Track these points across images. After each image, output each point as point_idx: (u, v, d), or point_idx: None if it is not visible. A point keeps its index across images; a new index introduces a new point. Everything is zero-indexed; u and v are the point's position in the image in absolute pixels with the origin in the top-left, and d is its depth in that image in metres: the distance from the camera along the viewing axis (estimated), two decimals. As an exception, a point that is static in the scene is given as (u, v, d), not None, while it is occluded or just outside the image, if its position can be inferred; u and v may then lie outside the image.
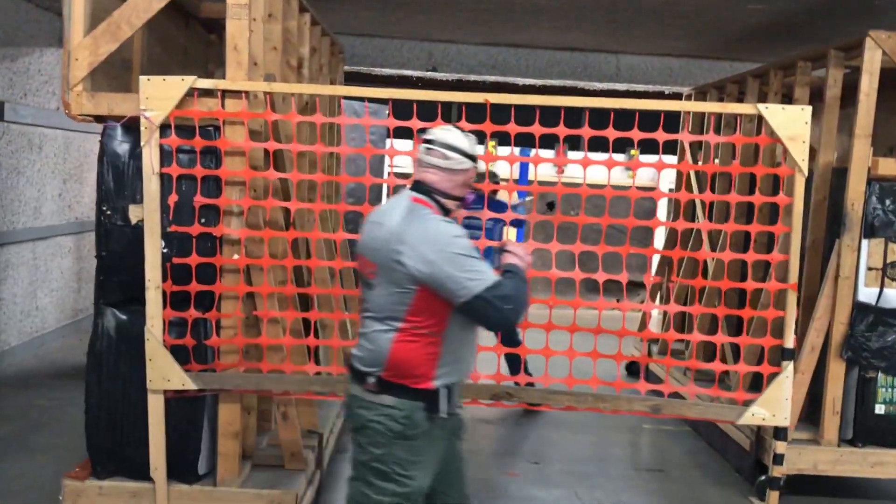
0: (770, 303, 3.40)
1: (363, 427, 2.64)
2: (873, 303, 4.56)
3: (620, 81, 7.71)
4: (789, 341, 3.34)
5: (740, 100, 6.19)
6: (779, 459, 3.41)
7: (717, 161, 5.99)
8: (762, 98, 5.91)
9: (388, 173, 3.63)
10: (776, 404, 3.32)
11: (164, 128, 3.34)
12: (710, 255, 3.37)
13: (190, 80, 3.30)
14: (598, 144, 3.61)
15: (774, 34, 6.46)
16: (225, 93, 3.36)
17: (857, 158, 4.53)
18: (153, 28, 4.17)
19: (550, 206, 11.19)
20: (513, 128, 3.39)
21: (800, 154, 3.26)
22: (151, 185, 3.32)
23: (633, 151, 11.23)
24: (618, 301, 3.73)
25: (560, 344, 3.64)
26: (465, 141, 2.69)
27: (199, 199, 3.35)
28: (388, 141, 3.88)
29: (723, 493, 4.89)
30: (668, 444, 5.75)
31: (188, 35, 4.74)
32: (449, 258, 2.49)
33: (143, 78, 3.30)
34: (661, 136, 3.31)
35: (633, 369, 6.89)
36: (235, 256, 3.40)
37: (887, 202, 4.55)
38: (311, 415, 4.16)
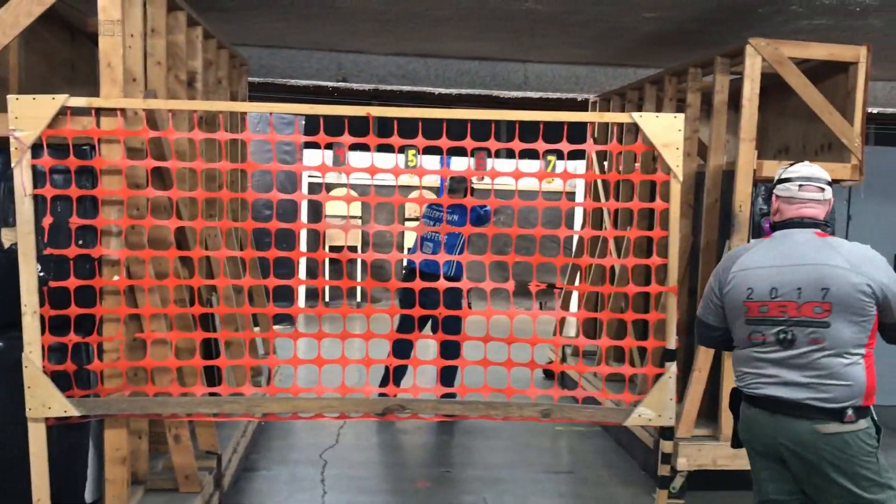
0: (652, 305, 3.47)
1: (859, 459, 2.74)
2: (763, 300, 4.72)
3: (529, 90, 7.81)
4: (671, 342, 3.43)
5: (640, 106, 6.36)
6: (666, 458, 3.49)
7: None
8: (659, 103, 6.09)
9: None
10: (661, 405, 3.40)
11: (36, 148, 3.24)
12: (591, 262, 3.43)
13: (62, 99, 3.21)
14: (508, 151, 3.64)
15: (672, 41, 6.64)
16: (100, 111, 3.28)
17: (742, 161, 4.69)
18: (32, 44, 4.06)
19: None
20: (420, 141, 3.41)
21: (674, 160, 3.35)
22: (24, 207, 3.22)
23: (550, 158, 11.44)
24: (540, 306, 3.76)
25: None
26: (827, 174, 2.93)
27: (75, 220, 3.26)
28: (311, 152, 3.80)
29: (629, 490, 5.00)
30: (579, 446, 5.84)
31: (75, 50, 4.62)
32: (895, 278, 2.77)
33: (10, 97, 3.20)
34: (541, 146, 3.36)
35: (550, 373, 7.00)
36: (115, 278, 3.32)
37: (772, 203, 4.72)
38: (209, 435, 4.08)
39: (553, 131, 3.36)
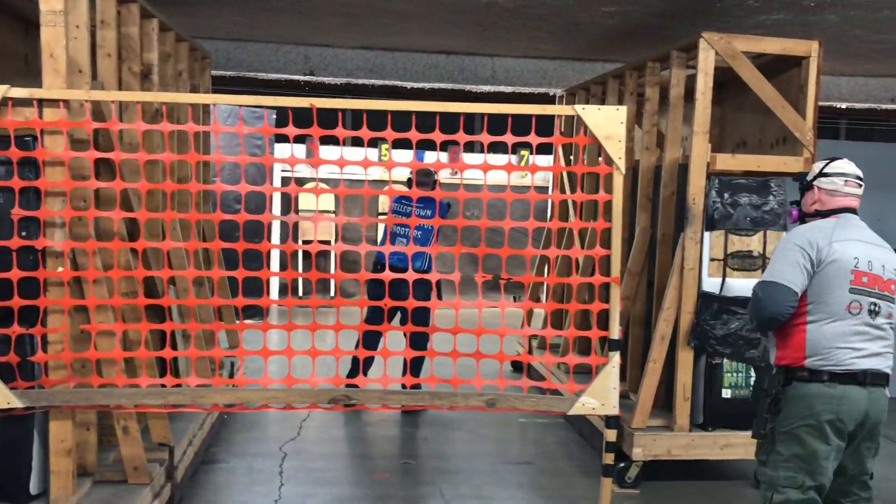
0: (595, 296, 3.51)
1: None
2: (717, 292, 4.78)
3: (497, 84, 7.84)
4: (615, 333, 3.46)
5: (603, 100, 6.40)
6: (610, 447, 3.52)
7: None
8: (622, 98, 6.12)
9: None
10: (604, 394, 3.44)
11: (-23, 139, 3.23)
12: (536, 252, 3.46)
13: (2, 90, 3.20)
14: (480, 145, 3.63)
15: (636, 35, 6.69)
16: (42, 102, 3.28)
17: (696, 154, 4.73)
18: (-19, 35, 4.05)
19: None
20: (365, 133, 3.42)
21: (616, 152, 3.38)
22: (-34, 199, 3.21)
23: (523, 153, 11.48)
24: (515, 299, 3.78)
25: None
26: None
27: (17, 212, 3.26)
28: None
29: (588, 481, 5.02)
30: (540, 437, 5.88)
31: (28, 43, 4.60)
32: None
33: (-50, 88, 3.19)
34: (485, 138, 3.39)
35: (517, 366, 7.06)
36: (60, 269, 3.31)
37: (725, 195, 4.77)
38: (162, 427, 4.08)
39: (521, 125, 3.39)
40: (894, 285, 3.10)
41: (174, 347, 4.28)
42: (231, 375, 5.50)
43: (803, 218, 3.33)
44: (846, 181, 3.20)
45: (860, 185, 3.23)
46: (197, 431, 4.73)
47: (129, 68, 4.32)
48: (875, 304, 3.04)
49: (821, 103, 10.06)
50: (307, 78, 8.11)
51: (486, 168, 3.44)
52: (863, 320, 3.03)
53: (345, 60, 7.73)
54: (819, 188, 3.24)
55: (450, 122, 3.36)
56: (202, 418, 4.85)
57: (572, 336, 3.54)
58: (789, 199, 5.03)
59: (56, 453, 3.40)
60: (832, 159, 3.29)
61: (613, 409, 3.46)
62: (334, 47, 7.66)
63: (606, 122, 3.38)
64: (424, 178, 6.23)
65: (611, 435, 3.50)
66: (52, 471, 3.40)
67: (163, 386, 3.53)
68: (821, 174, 3.25)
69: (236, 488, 4.67)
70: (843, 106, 9.77)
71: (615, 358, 3.44)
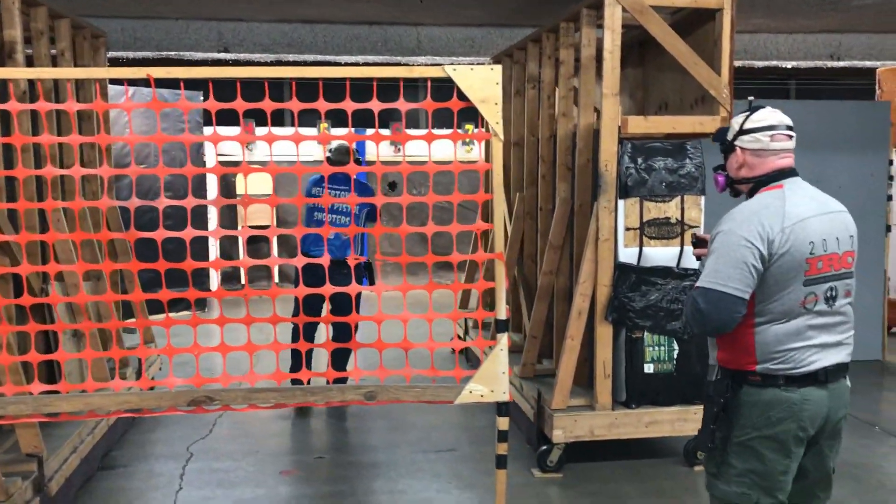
0: (480, 274, 3.22)
1: None
2: (634, 263, 4.52)
3: (422, 54, 7.49)
4: (502, 312, 3.18)
5: (525, 66, 6.09)
6: (502, 436, 3.25)
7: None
8: (541, 61, 5.81)
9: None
10: (493, 379, 3.17)
11: None
12: (413, 230, 3.15)
13: None
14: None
15: (559, -3, 6.36)
16: None
17: (606, 118, 4.45)
18: None
19: (392, 186, 10.98)
20: (314, 104, 3.09)
21: (493, 117, 3.08)
22: None
23: (468, 126, 11.18)
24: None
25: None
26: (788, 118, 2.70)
27: None
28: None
29: (510, 466, 4.77)
30: (468, 421, 5.62)
31: None
32: None
33: None
34: (349, 105, 3.07)
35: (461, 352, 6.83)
36: None
37: (639, 160, 4.50)
38: (31, 436, 3.75)
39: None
40: (851, 257, 2.58)
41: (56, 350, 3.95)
42: (139, 375, 5.17)
43: (731, 184, 2.74)
44: (773, 136, 2.61)
45: (791, 137, 2.64)
46: (86, 437, 4.41)
47: (-19, 46, 3.95)
48: (832, 289, 2.54)
49: (764, 63, 9.83)
50: (232, 56, 7.71)
51: (323, 140, 3.13)
52: (819, 311, 2.53)
53: (260, 35, 7.34)
54: (742, 148, 2.65)
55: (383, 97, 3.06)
56: (92, 423, 4.52)
57: (456, 318, 3.26)
58: (711, 161, 4.78)
59: None
60: (752, 110, 2.68)
61: (503, 395, 3.19)
62: (248, 21, 7.26)
63: (481, 84, 3.07)
64: (342, 155, 5.82)
65: (502, 423, 3.23)
66: None
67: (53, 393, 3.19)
68: (741, 131, 2.65)
69: (132, 494, 4.37)
70: (790, 66, 9.55)
71: (503, 340, 3.17)
